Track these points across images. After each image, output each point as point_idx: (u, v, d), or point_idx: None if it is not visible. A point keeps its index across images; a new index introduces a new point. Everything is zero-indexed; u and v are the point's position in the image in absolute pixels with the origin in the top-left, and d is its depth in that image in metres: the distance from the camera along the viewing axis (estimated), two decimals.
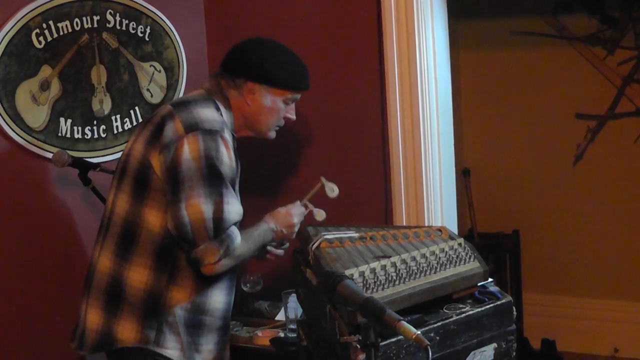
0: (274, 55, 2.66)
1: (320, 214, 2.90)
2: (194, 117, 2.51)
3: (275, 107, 2.68)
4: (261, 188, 3.71)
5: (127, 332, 2.53)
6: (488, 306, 2.44)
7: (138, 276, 2.53)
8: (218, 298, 2.63)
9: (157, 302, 2.53)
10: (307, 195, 2.90)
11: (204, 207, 2.44)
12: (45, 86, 3.19)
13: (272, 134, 2.76)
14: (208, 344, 2.63)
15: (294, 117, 2.76)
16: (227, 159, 2.49)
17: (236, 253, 2.51)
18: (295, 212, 2.76)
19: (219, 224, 2.46)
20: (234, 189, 2.55)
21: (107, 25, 3.38)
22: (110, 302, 2.56)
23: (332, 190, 2.93)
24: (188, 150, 2.46)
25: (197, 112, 2.53)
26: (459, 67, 4.92)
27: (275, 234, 2.70)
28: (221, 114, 2.60)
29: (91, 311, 2.59)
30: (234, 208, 2.49)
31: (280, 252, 2.84)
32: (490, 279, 2.56)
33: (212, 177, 2.46)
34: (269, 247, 2.79)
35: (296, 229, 2.75)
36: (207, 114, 2.54)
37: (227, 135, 2.55)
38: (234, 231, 2.49)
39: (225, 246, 2.47)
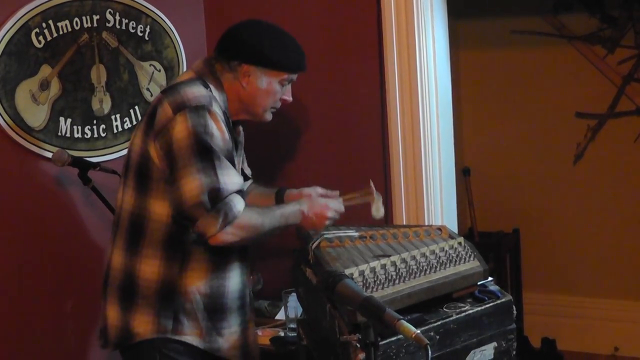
0: (269, 36, 2.64)
1: (378, 210, 2.79)
2: (181, 97, 2.50)
3: (272, 89, 2.64)
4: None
5: (143, 324, 2.55)
6: (488, 305, 2.44)
7: (150, 268, 2.54)
8: (234, 279, 2.63)
9: (171, 292, 2.54)
10: (352, 198, 2.79)
11: (198, 182, 2.43)
12: (45, 85, 3.19)
13: (269, 116, 2.72)
14: (231, 327, 2.63)
15: (290, 98, 2.73)
16: (217, 131, 2.47)
17: (242, 222, 2.46)
18: (332, 206, 2.69)
19: (215, 194, 2.43)
20: (232, 161, 2.52)
21: (107, 24, 3.38)
22: (124, 297, 2.58)
23: (378, 210, 2.80)
24: (177, 130, 2.46)
25: (183, 91, 2.52)
26: (458, 67, 4.92)
27: (304, 218, 2.63)
28: (209, 90, 2.57)
29: (110, 308, 2.62)
30: (230, 178, 2.46)
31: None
32: (490, 278, 2.56)
33: (203, 152, 2.44)
34: None
35: (327, 223, 2.67)
36: (194, 90, 2.53)
37: (217, 109, 2.52)
38: (233, 199, 2.45)
39: (224, 214, 2.43)
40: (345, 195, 2.80)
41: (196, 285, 2.56)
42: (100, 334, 2.69)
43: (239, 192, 2.50)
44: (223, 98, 2.62)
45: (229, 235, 2.47)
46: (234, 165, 2.53)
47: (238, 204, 2.47)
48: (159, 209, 2.52)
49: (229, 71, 2.62)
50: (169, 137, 2.47)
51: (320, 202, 2.69)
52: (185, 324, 2.56)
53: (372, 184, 2.83)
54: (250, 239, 2.56)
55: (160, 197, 2.51)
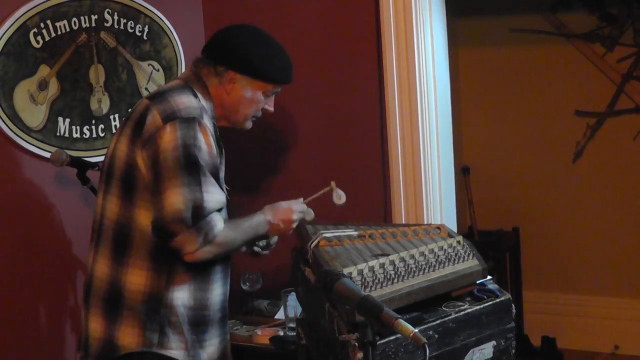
0: (259, 46, 2.61)
1: (339, 197, 2.84)
2: (172, 107, 2.47)
3: (255, 99, 2.62)
4: (259, 187, 3.71)
5: (129, 337, 2.50)
6: (487, 304, 2.43)
7: (137, 279, 2.50)
8: (217, 291, 2.60)
9: (158, 304, 2.50)
10: (313, 196, 2.82)
11: (182, 196, 2.40)
12: (43, 86, 3.19)
13: (249, 124, 2.70)
14: (212, 339, 2.60)
15: (272, 109, 2.70)
16: (205, 146, 2.45)
17: (219, 240, 2.45)
18: (296, 208, 2.69)
19: (197, 212, 2.41)
20: (217, 177, 2.50)
21: (105, 24, 3.38)
22: (109, 308, 2.53)
23: (340, 197, 2.84)
24: (166, 141, 2.42)
25: (174, 100, 2.49)
26: (457, 65, 4.92)
27: (271, 226, 2.63)
28: (199, 100, 2.54)
29: (92, 319, 2.56)
30: (213, 196, 2.44)
31: (265, 253, 2.80)
32: (489, 277, 2.56)
33: (190, 166, 2.42)
34: (255, 248, 2.76)
35: (294, 226, 2.69)
36: (185, 101, 2.50)
37: (207, 121, 2.50)
38: (214, 218, 2.44)
39: (204, 234, 2.41)
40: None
41: (181, 297, 2.52)
42: (80, 345, 2.62)
43: (220, 209, 2.48)
44: (210, 106, 2.59)
45: (205, 253, 2.45)
46: (218, 180, 2.50)
47: (219, 223, 2.45)
48: (145, 219, 2.47)
49: (214, 75, 2.59)
50: (157, 146, 2.43)
51: (283, 207, 2.68)
52: (171, 338, 2.52)
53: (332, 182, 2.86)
54: (223, 254, 2.55)
55: (145, 207, 2.46)
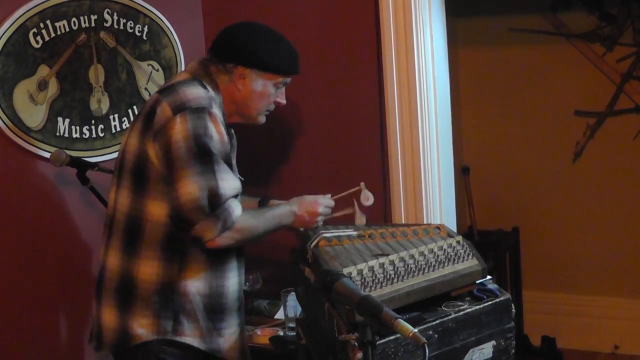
0: (265, 39, 2.65)
1: (361, 219, 2.87)
2: (181, 98, 2.51)
3: (266, 92, 2.66)
4: (258, 186, 3.71)
5: (143, 326, 2.54)
6: (486, 304, 2.44)
7: (149, 269, 2.53)
8: (233, 280, 2.64)
9: (171, 292, 2.54)
10: (341, 194, 2.85)
11: (197, 185, 2.44)
12: (43, 86, 3.19)
13: (262, 119, 2.74)
14: (230, 327, 2.64)
15: (284, 101, 2.74)
16: (216, 134, 2.48)
17: (239, 226, 2.49)
18: (322, 202, 2.74)
19: (214, 200, 2.45)
20: (229, 164, 2.53)
21: (105, 24, 3.38)
22: (122, 299, 2.57)
23: (367, 198, 2.88)
24: (177, 131, 2.45)
25: (183, 92, 2.52)
26: (457, 65, 4.92)
27: (296, 218, 2.68)
28: (208, 91, 2.57)
29: (105, 310, 2.60)
30: (229, 183, 2.48)
31: None
32: (488, 277, 2.56)
33: (203, 154, 2.45)
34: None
35: (319, 220, 2.72)
36: (193, 92, 2.53)
37: (216, 110, 2.54)
38: (232, 204, 2.47)
39: (223, 220, 2.45)
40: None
41: (196, 285, 2.56)
42: (92, 336, 2.66)
43: (236, 196, 2.51)
44: (219, 100, 2.62)
45: (226, 239, 2.49)
46: (231, 168, 2.54)
47: (236, 209, 2.49)
48: (157, 210, 2.51)
49: (224, 73, 2.62)
50: (168, 137, 2.46)
51: (310, 200, 2.73)
52: (185, 325, 2.56)
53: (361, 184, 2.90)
54: (245, 242, 2.59)
55: (157, 198, 2.50)
